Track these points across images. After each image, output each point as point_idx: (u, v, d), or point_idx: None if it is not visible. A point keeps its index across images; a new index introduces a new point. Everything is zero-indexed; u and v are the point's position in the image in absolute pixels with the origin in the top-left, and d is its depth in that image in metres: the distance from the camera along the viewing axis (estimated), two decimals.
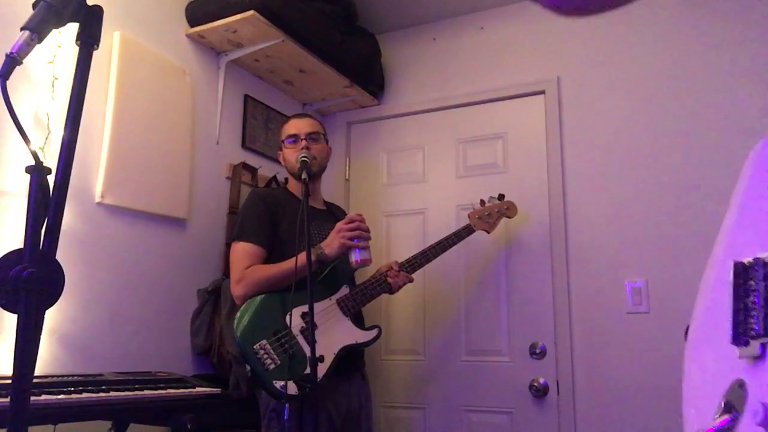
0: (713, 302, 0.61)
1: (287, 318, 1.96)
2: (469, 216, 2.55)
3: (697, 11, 2.69)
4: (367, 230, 2.09)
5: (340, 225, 2.09)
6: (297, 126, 2.30)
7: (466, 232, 2.49)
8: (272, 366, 1.92)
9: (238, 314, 1.99)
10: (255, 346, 1.93)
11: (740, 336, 0.54)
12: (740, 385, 0.57)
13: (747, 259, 0.55)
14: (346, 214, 2.38)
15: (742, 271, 0.55)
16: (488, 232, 2.57)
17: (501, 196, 2.61)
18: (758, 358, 0.52)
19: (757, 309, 0.53)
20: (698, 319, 0.63)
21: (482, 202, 2.59)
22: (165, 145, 2.41)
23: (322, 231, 2.20)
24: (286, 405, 1.93)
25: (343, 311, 2.12)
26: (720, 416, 0.59)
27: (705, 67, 2.63)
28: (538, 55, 2.98)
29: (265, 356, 1.92)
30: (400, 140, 3.27)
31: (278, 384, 1.90)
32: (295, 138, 2.26)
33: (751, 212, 0.61)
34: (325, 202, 2.47)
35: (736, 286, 0.55)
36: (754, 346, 0.52)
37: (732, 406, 0.58)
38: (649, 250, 2.59)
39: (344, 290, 2.15)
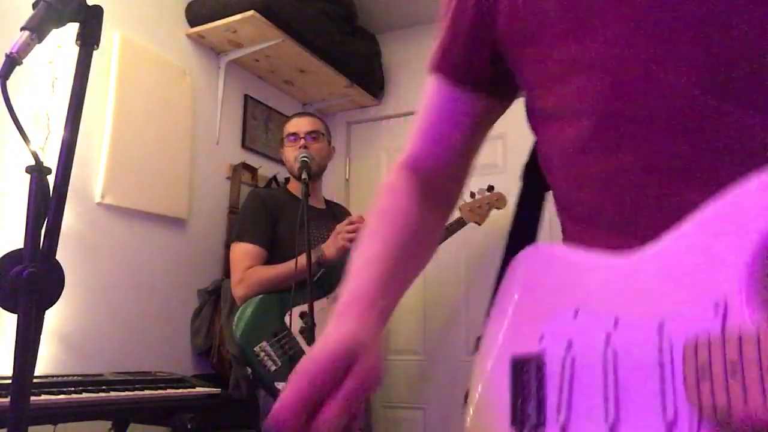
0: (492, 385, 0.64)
1: (286, 318, 1.96)
2: (460, 209, 2.56)
3: None
4: None
5: (340, 227, 2.09)
6: (297, 124, 2.30)
7: (457, 225, 2.50)
8: (273, 368, 1.92)
9: (237, 316, 1.99)
10: (256, 348, 1.93)
11: (518, 421, 0.57)
12: None
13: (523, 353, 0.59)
14: (347, 213, 2.38)
15: (519, 366, 0.59)
16: (479, 224, 2.57)
17: (490, 188, 2.62)
18: None
19: (531, 400, 0.55)
20: (480, 394, 0.66)
21: (472, 194, 2.60)
22: (165, 145, 2.41)
23: (322, 230, 2.20)
24: None
25: None
26: None
27: None
28: None
29: (266, 358, 1.93)
30: (400, 140, 3.25)
31: (280, 385, 1.90)
32: (295, 136, 2.26)
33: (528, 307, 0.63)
34: (326, 201, 2.47)
35: (513, 379, 0.59)
36: None
37: None
38: None
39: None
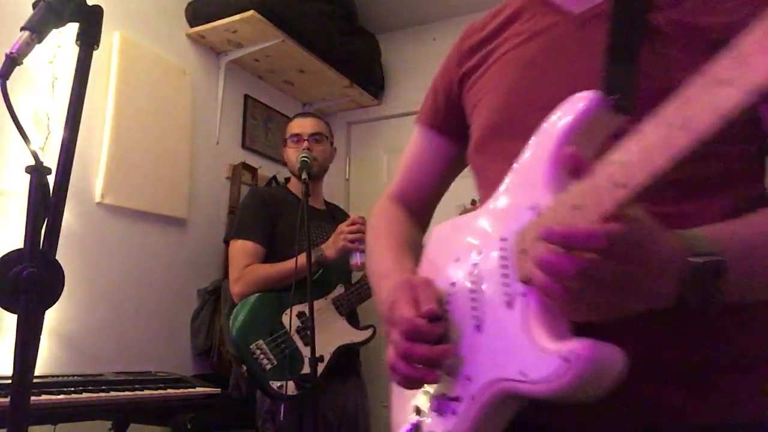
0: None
1: (284, 318, 1.96)
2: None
3: None
4: None
5: (341, 227, 2.08)
6: (301, 125, 2.29)
7: None
8: (269, 366, 1.92)
9: (234, 314, 1.99)
10: (251, 346, 1.93)
11: None
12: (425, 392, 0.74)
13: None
14: (346, 216, 2.37)
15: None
16: None
17: None
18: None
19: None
20: None
21: (473, 202, 2.59)
22: (165, 145, 2.41)
23: (322, 231, 2.20)
24: (282, 405, 1.92)
25: (338, 311, 2.12)
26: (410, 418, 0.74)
27: None
28: None
29: (262, 356, 1.93)
30: (400, 140, 3.26)
31: (275, 384, 1.90)
32: (298, 137, 2.26)
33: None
34: (326, 203, 2.47)
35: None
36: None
37: (420, 409, 0.74)
38: None
39: (339, 289, 2.15)
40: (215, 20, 2.56)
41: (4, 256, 0.74)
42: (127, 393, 1.63)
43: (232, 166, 2.78)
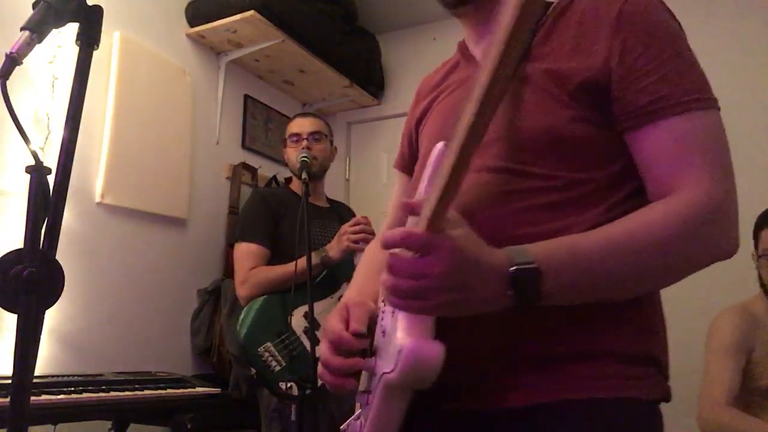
0: None
1: (289, 319, 1.96)
2: None
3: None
4: (372, 233, 2.08)
5: (345, 228, 2.08)
6: (300, 125, 2.30)
7: None
8: (277, 368, 1.92)
9: (241, 317, 1.99)
10: (259, 349, 1.93)
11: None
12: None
13: None
14: (351, 213, 2.38)
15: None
16: None
17: None
18: None
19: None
20: None
21: None
22: (165, 145, 2.41)
23: (326, 229, 2.20)
24: (294, 406, 1.92)
25: None
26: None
27: None
28: None
29: (270, 358, 1.93)
30: (400, 140, 3.27)
31: (284, 385, 1.91)
32: (297, 137, 2.26)
33: None
34: (330, 200, 2.46)
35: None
36: None
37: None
38: None
39: (346, 288, 2.15)
40: (215, 20, 2.56)
41: (4, 256, 0.74)
42: (127, 393, 1.63)
43: (232, 166, 2.78)
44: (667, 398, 0.82)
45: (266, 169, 2.93)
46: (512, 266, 0.66)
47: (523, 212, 0.78)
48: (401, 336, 0.69)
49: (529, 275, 0.67)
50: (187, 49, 2.64)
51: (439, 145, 0.82)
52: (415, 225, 0.67)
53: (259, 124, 3.01)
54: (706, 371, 1.83)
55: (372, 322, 0.84)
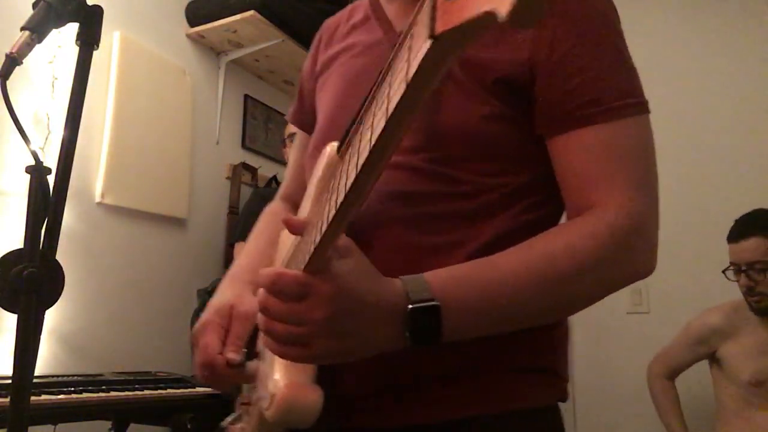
0: None
1: None
2: None
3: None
4: None
5: None
6: None
7: None
8: None
9: None
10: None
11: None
12: None
13: None
14: None
15: None
16: None
17: None
18: None
19: None
20: None
21: None
22: (165, 145, 2.41)
23: None
24: None
25: None
26: None
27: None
28: None
29: None
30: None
31: None
32: (294, 137, 2.26)
33: None
34: None
35: None
36: None
37: None
38: None
39: None
40: (215, 20, 2.56)
41: (4, 256, 0.73)
42: (127, 393, 1.63)
43: (232, 166, 2.78)
44: (562, 398, 0.76)
45: (266, 169, 2.93)
46: (409, 304, 0.58)
47: (426, 219, 0.71)
48: (278, 378, 0.63)
49: (428, 315, 0.58)
50: (187, 49, 2.64)
51: (328, 148, 0.71)
52: (299, 248, 0.58)
53: (259, 124, 3.01)
54: (671, 344, 2.16)
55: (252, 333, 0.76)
